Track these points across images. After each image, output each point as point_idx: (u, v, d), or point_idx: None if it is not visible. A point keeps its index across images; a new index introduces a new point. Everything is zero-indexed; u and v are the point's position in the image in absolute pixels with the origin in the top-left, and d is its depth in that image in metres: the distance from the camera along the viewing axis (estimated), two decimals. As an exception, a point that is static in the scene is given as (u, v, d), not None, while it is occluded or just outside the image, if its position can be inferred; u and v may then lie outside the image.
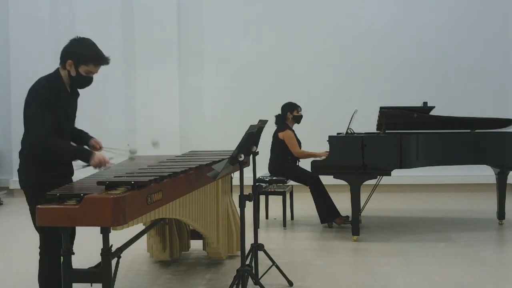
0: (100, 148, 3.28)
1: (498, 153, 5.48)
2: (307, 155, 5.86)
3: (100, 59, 3.01)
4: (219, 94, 8.39)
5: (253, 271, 3.67)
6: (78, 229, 2.90)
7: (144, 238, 4.28)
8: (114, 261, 2.75)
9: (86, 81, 3.06)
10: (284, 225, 5.86)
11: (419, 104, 5.93)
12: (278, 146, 5.90)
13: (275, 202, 6.22)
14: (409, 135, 5.23)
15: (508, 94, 8.13)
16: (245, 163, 3.63)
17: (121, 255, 2.94)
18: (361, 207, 5.37)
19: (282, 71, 8.25)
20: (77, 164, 3.09)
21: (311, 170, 5.32)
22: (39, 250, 3.00)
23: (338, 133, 5.81)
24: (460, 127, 5.80)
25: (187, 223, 4.23)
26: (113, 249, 2.73)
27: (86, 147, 3.23)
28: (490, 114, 6.20)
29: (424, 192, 7.96)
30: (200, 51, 8.38)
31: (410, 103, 6.23)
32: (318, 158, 5.57)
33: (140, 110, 8.18)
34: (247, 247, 3.60)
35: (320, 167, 5.25)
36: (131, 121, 8.16)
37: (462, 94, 8.08)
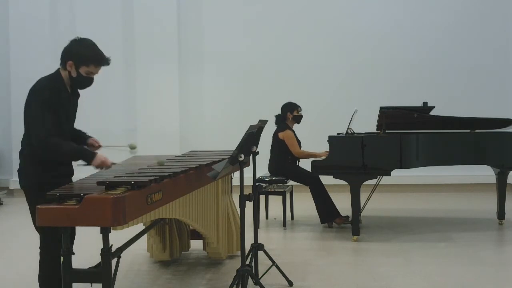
0: (99, 147, 3.28)
1: (498, 153, 5.48)
2: (307, 155, 5.85)
3: (101, 60, 3.02)
4: (219, 94, 8.39)
5: (253, 271, 3.67)
6: (78, 229, 2.90)
7: (144, 238, 4.28)
8: (114, 261, 2.75)
9: (87, 81, 3.06)
10: (284, 225, 5.87)
11: (419, 104, 5.93)
12: (278, 146, 5.90)
13: (275, 202, 6.22)
14: (409, 135, 5.23)
15: (508, 94, 8.13)
16: (245, 163, 3.63)
17: (121, 255, 2.94)
18: (361, 207, 5.37)
19: (282, 71, 8.25)
20: (77, 162, 3.10)
21: (311, 170, 5.32)
22: (39, 250, 3.00)
23: (338, 133, 5.81)
24: (460, 127, 5.80)
25: (187, 223, 4.23)
26: (113, 249, 2.73)
27: (85, 147, 3.23)
28: (490, 114, 6.20)
29: (424, 192, 7.96)
30: (200, 51, 8.38)
31: (410, 103, 6.23)
32: (318, 158, 5.57)
33: (140, 110, 8.18)
34: (247, 247, 3.60)
35: (320, 167, 5.25)
36: (131, 121, 8.17)
37: (462, 94, 8.08)
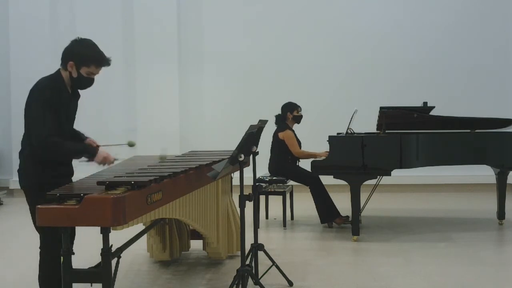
0: (96, 147, 3.27)
1: (498, 153, 5.48)
2: (307, 155, 5.85)
3: (102, 61, 3.02)
4: (219, 94, 8.39)
5: (253, 271, 3.67)
6: (78, 229, 2.90)
7: (144, 238, 4.28)
8: (114, 261, 2.75)
9: (87, 82, 3.06)
10: (284, 225, 5.87)
11: (419, 104, 5.93)
12: (278, 146, 5.90)
13: (275, 202, 6.22)
14: (409, 135, 5.23)
15: (508, 94, 8.13)
16: (245, 163, 3.63)
17: (121, 255, 2.94)
18: (361, 207, 5.37)
19: (282, 71, 8.25)
20: (80, 159, 3.10)
21: (311, 170, 5.32)
22: (39, 250, 3.00)
23: (338, 133, 5.81)
24: (460, 127, 5.80)
25: (187, 223, 4.23)
26: (113, 249, 2.73)
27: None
28: (490, 114, 6.20)
29: (424, 192, 7.96)
30: (200, 51, 8.38)
31: (410, 103, 6.23)
32: (318, 158, 5.57)
33: (140, 110, 8.18)
34: (247, 247, 3.60)
35: (320, 167, 5.25)
36: (131, 121, 8.16)
37: (462, 94, 8.08)
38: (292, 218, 6.22)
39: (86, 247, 3.49)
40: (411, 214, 6.47)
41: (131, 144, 3.42)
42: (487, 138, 5.50)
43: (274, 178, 5.94)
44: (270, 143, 5.99)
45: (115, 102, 8.30)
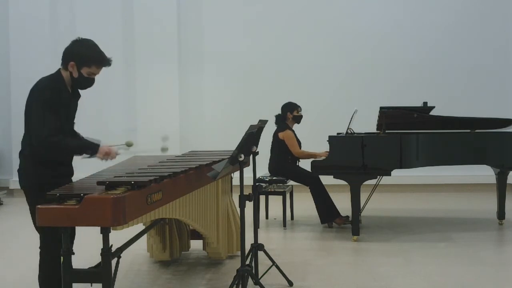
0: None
1: (498, 153, 5.48)
2: (307, 155, 5.85)
3: (103, 61, 3.02)
4: (219, 94, 8.39)
5: (253, 271, 3.67)
6: (78, 229, 2.90)
7: (144, 238, 4.28)
8: (114, 261, 2.75)
9: (88, 82, 3.07)
10: (284, 225, 5.87)
11: (419, 104, 5.93)
12: (278, 146, 5.90)
13: (275, 202, 6.22)
14: (409, 135, 5.23)
15: (508, 94, 8.13)
16: (245, 163, 3.63)
17: (121, 255, 2.94)
18: (361, 207, 5.37)
19: (282, 71, 8.25)
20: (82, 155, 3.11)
21: (311, 170, 5.32)
22: (39, 250, 3.00)
23: (338, 133, 5.81)
24: (460, 127, 5.80)
25: (187, 223, 4.23)
26: (113, 249, 2.73)
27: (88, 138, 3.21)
28: (490, 114, 6.20)
29: (424, 192, 7.96)
30: (200, 51, 8.38)
31: (410, 103, 6.23)
32: (318, 158, 5.57)
33: (140, 110, 8.18)
34: (247, 247, 3.60)
35: (320, 167, 5.25)
36: (131, 121, 8.16)
37: (462, 94, 8.08)
38: (292, 218, 6.22)
39: (86, 247, 3.49)
40: (411, 214, 6.47)
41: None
42: (487, 138, 5.50)
43: (274, 178, 5.94)
44: (270, 143, 5.99)
45: (115, 102, 8.30)
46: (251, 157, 3.68)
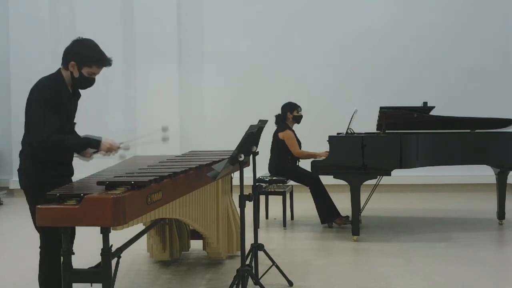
0: (90, 156, 3.26)
1: (498, 153, 5.48)
2: (307, 155, 5.85)
3: (103, 61, 3.03)
4: (219, 94, 8.39)
5: (253, 271, 3.67)
6: (78, 229, 2.90)
7: (144, 238, 4.28)
8: (114, 261, 2.75)
9: (88, 82, 3.07)
10: (284, 225, 5.87)
11: (419, 104, 5.93)
12: (278, 146, 5.90)
13: (275, 202, 6.22)
14: (409, 135, 5.23)
15: (508, 94, 8.13)
16: (245, 163, 3.63)
17: (121, 255, 2.94)
18: (361, 207, 5.37)
19: (282, 71, 8.25)
20: (91, 150, 3.11)
21: (311, 170, 5.32)
22: (39, 250, 3.00)
23: (338, 133, 5.81)
24: (460, 127, 5.80)
25: (187, 223, 4.23)
26: (113, 249, 2.73)
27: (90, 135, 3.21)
28: (490, 114, 6.20)
29: (424, 192, 7.96)
30: (200, 51, 8.38)
31: (410, 103, 6.23)
32: (318, 158, 5.57)
33: (140, 110, 8.18)
34: (247, 247, 3.60)
35: (320, 167, 5.25)
36: (131, 121, 8.16)
37: (462, 94, 8.08)
38: (292, 218, 6.22)
39: (86, 247, 3.49)
40: (411, 214, 6.47)
41: (164, 129, 3.44)
42: (487, 138, 5.50)
43: (274, 178, 5.94)
44: (270, 143, 5.99)
45: (115, 102, 8.30)
46: (251, 157, 3.68)
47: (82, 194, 2.44)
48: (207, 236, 4.01)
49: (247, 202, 3.41)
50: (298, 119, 6.00)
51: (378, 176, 5.42)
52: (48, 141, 2.84)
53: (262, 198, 6.15)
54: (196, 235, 4.37)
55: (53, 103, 2.90)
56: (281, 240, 5.40)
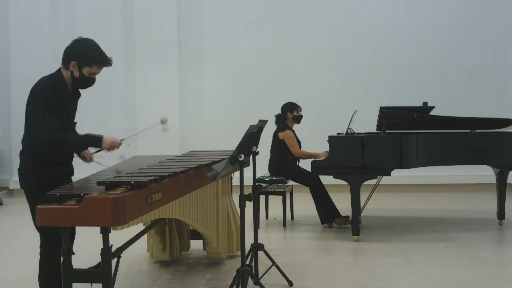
0: (90, 160, 3.27)
1: (498, 153, 5.48)
2: (307, 155, 5.85)
3: (104, 61, 3.03)
4: (219, 94, 8.39)
5: (253, 271, 3.67)
6: (78, 229, 2.90)
7: (144, 238, 4.28)
8: (114, 261, 2.75)
9: (89, 82, 3.07)
10: (284, 225, 5.86)
11: (419, 104, 5.93)
12: (278, 146, 5.90)
13: (275, 202, 6.22)
14: (409, 135, 5.23)
15: (508, 94, 8.13)
16: (245, 163, 3.63)
17: (121, 255, 2.94)
18: (361, 207, 5.37)
19: (282, 71, 8.25)
20: (92, 149, 3.10)
21: (311, 170, 5.32)
22: (39, 250, 3.00)
23: (338, 133, 5.81)
24: (460, 127, 5.80)
25: (187, 223, 4.23)
26: (113, 249, 2.73)
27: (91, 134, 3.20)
28: (490, 114, 6.20)
29: (424, 192, 7.96)
30: (200, 51, 8.38)
31: (410, 103, 6.23)
32: (318, 158, 5.57)
33: (140, 110, 8.17)
34: (247, 247, 3.60)
35: (320, 167, 5.25)
36: (131, 121, 8.16)
37: (462, 94, 8.08)
38: (292, 218, 6.22)
39: (86, 247, 3.49)
40: (411, 214, 6.47)
41: (163, 121, 3.46)
42: (487, 138, 5.50)
43: (274, 178, 5.94)
44: (270, 143, 5.99)
45: (115, 102, 8.30)
46: (251, 157, 3.68)
47: (82, 194, 2.44)
48: (207, 236, 4.01)
49: (247, 202, 3.41)
50: (298, 119, 6.00)
51: (378, 176, 5.42)
52: (49, 141, 2.84)
53: (262, 198, 6.15)
54: (196, 235, 4.37)
55: (53, 103, 2.91)
56: (281, 240, 5.40)
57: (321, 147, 5.71)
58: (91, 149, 3.19)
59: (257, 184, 3.80)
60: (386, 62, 8.16)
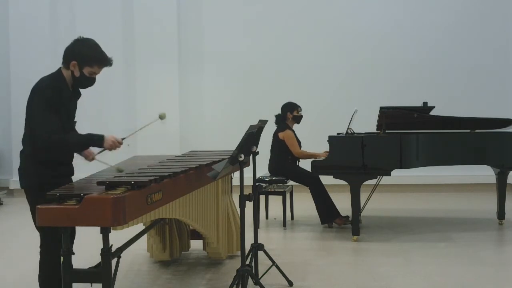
0: (92, 159, 3.27)
1: (498, 153, 5.48)
2: (307, 155, 5.85)
3: (104, 61, 3.03)
4: (219, 94, 8.39)
5: (253, 271, 3.67)
6: (78, 229, 2.90)
7: (144, 238, 4.28)
8: (114, 261, 2.75)
9: (89, 81, 3.07)
10: (284, 225, 5.86)
11: (419, 104, 5.94)
12: (278, 146, 5.90)
13: (275, 202, 6.22)
14: (409, 135, 5.23)
15: (508, 94, 8.13)
16: (245, 163, 3.63)
17: (121, 255, 2.94)
18: (361, 207, 5.37)
19: (282, 71, 8.25)
20: (96, 149, 3.11)
21: (311, 170, 5.32)
22: (39, 250, 3.00)
23: (338, 133, 5.81)
24: (460, 127, 5.80)
25: (187, 223, 4.23)
26: (113, 249, 2.73)
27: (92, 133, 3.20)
28: (490, 114, 6.20)
29: (424, 192, 7.96)
30: (200, 51, 8.38)
31: (410, 103, 6.23)
32: (318, 158, 5.57)
33: (140, 110, 8.17)
34: (247, 247, 3.60)
35: (320, 167, 5.25)
36: (131, 121, 8.15)
37: (462, 94, 8.08)
38: (292, 218, 6.22)
39: (86, 247, 3.49)
40: (411, 214, 6.47)
41: (162, 117, 3.47)
42: (487, 138, 5.50)
43: (274, 178, 5.94)
44: (270, 143, 5.99)
45: (115, 102, 8.30)
46: (251, 157, 3.68)
47: (82, 194, 2.44)
48: (207, 236, 4.01)
49: (247, 202, 3.41)
50: (298, 119, 6.00)
51: (378, 176, 5.42)
52: (49, 140, 2.84)
53: (262, 198, 6.15)
54: (196, 235, 4.37)
55: (53, 102, 2.91)
56: (281, 240, 5.40)
57: (321, 147, 5.71)
58: (95, 149, 3.18)
59: (257, 184, 3.80)
60: (386, 62, 8.16)
